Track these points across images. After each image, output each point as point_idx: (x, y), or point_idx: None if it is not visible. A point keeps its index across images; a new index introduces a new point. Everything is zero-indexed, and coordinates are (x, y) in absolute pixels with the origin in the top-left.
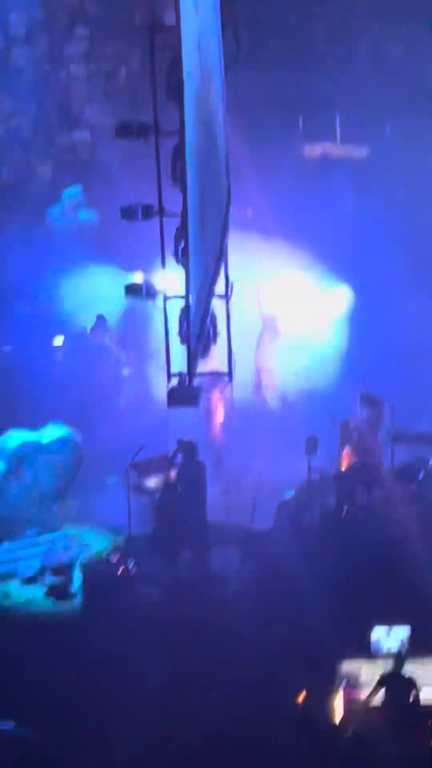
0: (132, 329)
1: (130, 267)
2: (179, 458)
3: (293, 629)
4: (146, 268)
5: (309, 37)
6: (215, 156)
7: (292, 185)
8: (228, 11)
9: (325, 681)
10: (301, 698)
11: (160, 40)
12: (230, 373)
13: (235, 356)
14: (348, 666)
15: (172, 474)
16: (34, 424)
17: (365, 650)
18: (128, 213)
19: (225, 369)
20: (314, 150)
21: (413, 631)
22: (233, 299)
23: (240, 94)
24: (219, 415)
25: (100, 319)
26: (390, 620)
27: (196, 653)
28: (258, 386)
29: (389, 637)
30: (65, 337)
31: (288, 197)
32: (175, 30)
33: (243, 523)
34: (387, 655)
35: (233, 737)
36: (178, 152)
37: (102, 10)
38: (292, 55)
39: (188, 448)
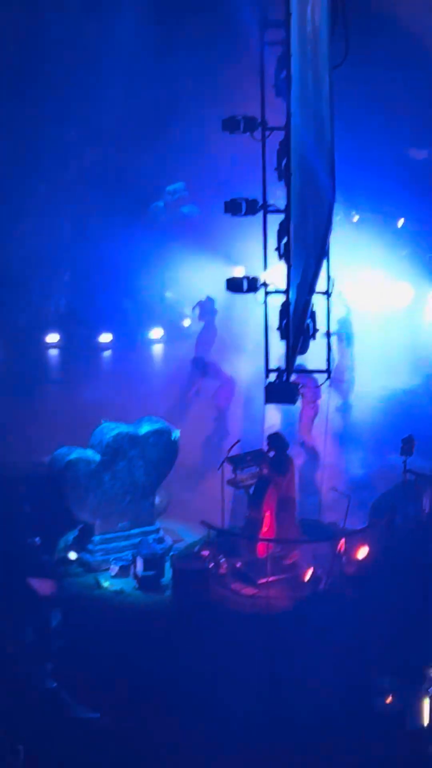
0: (231, 324)
1: (232, 261)
2: (271, 453)
3: (385, 631)
4: (247, 263)
5: (417, 36)
6: (321, 153)
7: (395, 188)
8: (338, 7)
9: (416, 684)
10: (389, 700)
11: (271, 35)
12: (329, 371)
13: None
14: None
15: (265, 469)
16: (131, 417)
17: None
18: (232, 207)
19: (323, 366)
20: (420, 153)
21: None
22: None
23: (347, 92)
24: (315, 412)
25: (208, 302)
26: None
27: (285, 650)
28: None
29: None
30: (164, 331)
31: (391, 201)
32: (285, 26)
33: (337, 521)
34: None
35: (321, 733)
36: (284, 148)
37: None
38: (401, 54)
39: (279, 444)
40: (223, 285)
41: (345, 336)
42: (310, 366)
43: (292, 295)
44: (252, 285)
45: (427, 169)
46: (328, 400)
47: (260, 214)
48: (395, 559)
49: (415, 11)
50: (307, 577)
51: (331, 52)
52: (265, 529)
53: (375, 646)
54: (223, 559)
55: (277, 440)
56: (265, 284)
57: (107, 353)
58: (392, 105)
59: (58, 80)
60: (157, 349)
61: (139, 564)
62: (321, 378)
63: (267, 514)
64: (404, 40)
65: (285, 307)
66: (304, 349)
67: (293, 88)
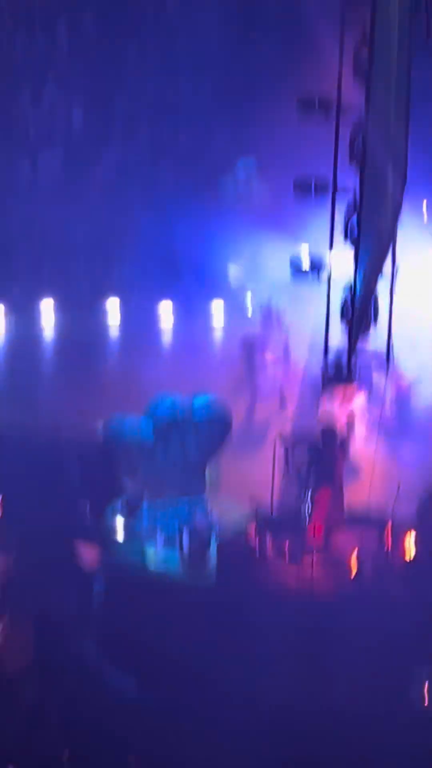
0: (293, 303)
1: (297, 240)
2: (325, 435)
3: (428, 619)
4: (313, 244)
5: None
6: (396, 138)
7: None
8: None
9: None
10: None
11: (352, 15)
12: (389, 356)
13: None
14: None
15: (318, 450)
16: (186, 390)
17: None
18: (302, 187)
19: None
20: None
21: None
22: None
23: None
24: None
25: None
26: None
27: (326, 631)
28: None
29: None
30: (225, 305)
31: None
32: (369, 6)
33: (385, 508)
34: None
35: (352, 720)
36: (358, 130)
37: None
38: None
39: (333, 426)
40: (287, 263)
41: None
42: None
43: (358, 277)
44: (316, 267)
45: None
46: (386, 385)
47: (329, 195)
48: None
49: None
50: (352, 561)
51: (412, 36)
52: (314, 510)
53: (417, 634)
54: (270, 538)
55: (331, 430)
56: (329, 265)
57: (167, 323)
58: None
59: (132, 51)
60: (218, 323)
61: (185, 536)
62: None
63: (317, 495)
64: None
65: (349, 289)
66: (365, 334)
67: (374, 71)
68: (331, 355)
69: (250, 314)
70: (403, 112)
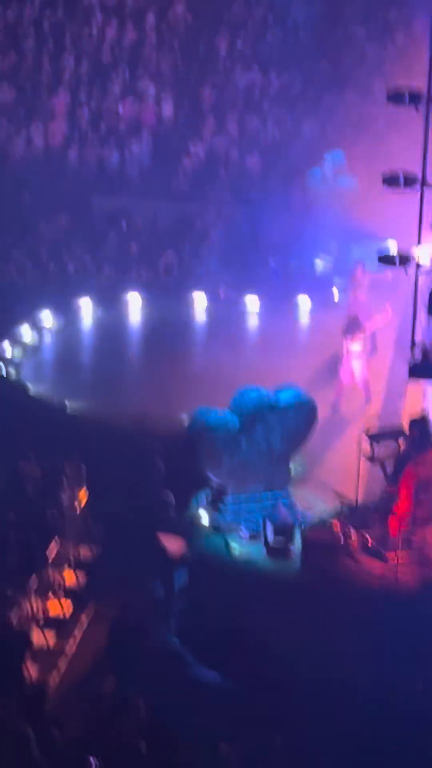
0: (379, 298)
1: (385, 234)
2: (412, 432)
3: None
4: (399, 236)
5: None
6: None
7: None
8: None
9: None
10: None
11: None
12: None
13: None
14: None
15: (406, 447)
16: (272, 383)
17: None
18: (390, 180)
19: None
20: None
21: None
22: None
23: None
24: None
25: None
26: None
27: (411, 629)
28: None
29: None
30: (311, 299)
31: None
32: None
33: None
34: None
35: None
36: None
37: None
38: None
39: (424, 426)
40: (374, 257)
41: None
42: None
43: None
44: (404, 260)
45: None
46: None
47: (417, 189)
48: None
49: None
50: None
51: None
52: (400, 506)
53: None
54: (354, 533)
55: (421, 423)
56: (417, 259)
57: (253, 316)
58: None
59: (222, 44)
60: (303, 317)
61: (270, 530)
62: None
63: (403, 491)
64: None
65: None
66: None
67: None
68: (418, 349)
69: (336, 308)
70: None
